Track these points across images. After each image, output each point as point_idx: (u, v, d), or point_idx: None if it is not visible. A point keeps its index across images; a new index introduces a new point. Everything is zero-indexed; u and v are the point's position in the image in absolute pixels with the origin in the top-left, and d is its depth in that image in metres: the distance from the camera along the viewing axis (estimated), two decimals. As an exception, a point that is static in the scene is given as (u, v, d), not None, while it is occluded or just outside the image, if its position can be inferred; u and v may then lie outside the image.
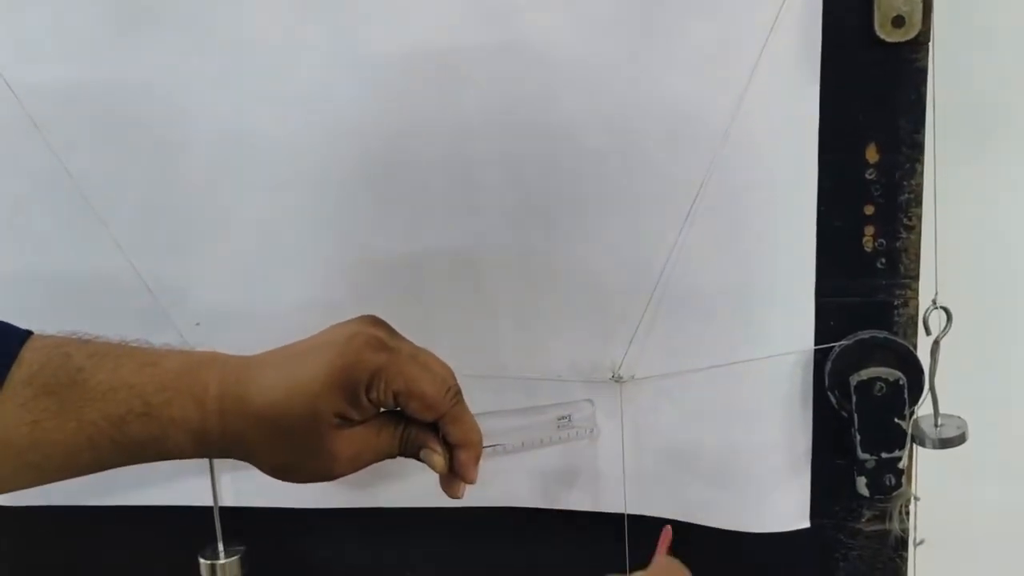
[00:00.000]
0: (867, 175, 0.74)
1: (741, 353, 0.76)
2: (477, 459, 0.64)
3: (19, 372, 0.58)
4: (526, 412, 0.80)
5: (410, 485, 0.81)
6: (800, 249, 0.75)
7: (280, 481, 0.64)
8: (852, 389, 0.74)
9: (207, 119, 0.79)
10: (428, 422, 0.63)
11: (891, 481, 0.75)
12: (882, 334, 0.75)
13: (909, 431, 0.75)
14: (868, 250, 0.75)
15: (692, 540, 0.80)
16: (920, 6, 0.70)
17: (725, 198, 0.74)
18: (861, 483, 0.76)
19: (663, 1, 0.71)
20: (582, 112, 0.74)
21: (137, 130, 0.80)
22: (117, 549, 0.91)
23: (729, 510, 0.80)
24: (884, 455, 0.75)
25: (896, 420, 0.74)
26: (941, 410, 0.76)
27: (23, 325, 0.61)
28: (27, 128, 0.80)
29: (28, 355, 0.59)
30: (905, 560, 0.80)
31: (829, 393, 0.76)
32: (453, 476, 0.65)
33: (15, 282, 0.84)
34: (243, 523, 0.85)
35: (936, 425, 0.75)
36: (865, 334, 0.75)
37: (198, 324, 0.82)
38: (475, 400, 0.66)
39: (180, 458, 0.61)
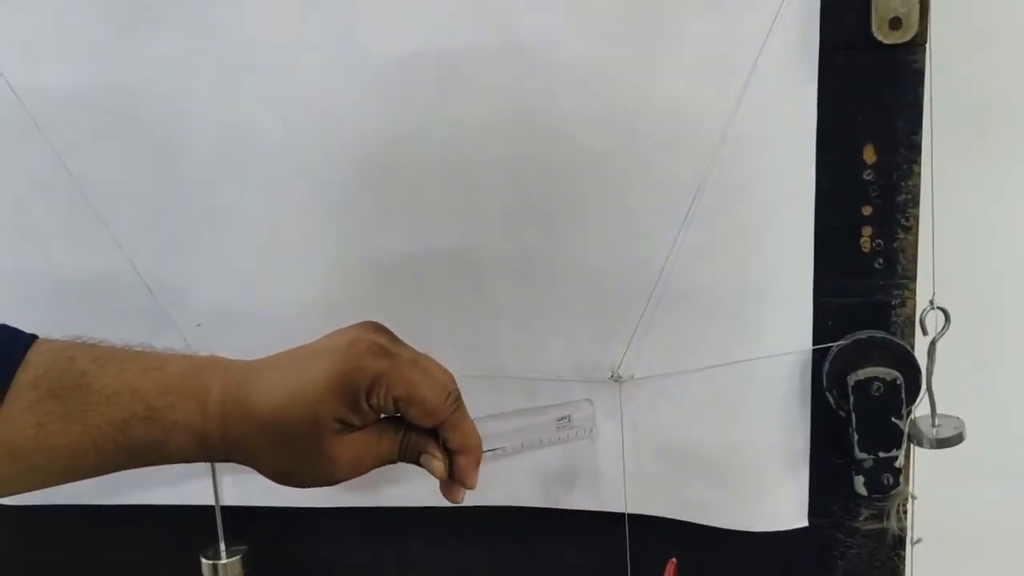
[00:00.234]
0: (865, 176, 0.74)
1: (739, 353, 0.76)
2: (477, 464, 0.65)
3: (25, 375, 0.59)
4: (526, 413, 0.81)
5: (410, 485, 0.81)
6: (798, 249, 0.75)
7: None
8: (850, 389, 0.74)
9: (208, 119, 0.79)
10: (428, 428, 0.63)
11: (889, 480, 0.75)
12: (880, 334, 0.75)
13: (906, 431, 0.75)
14: (866, 250, 0.75)
15: (691, 539, 0.80)
16: (917, 8, 0.70)
17: (723, 198, 0.74)
18: (859, 482, 0.76)
19: (662, 3, 0.72)
20: (582, 112, 0.74)
21: (138, 130, 0.80)
22: (119, 549, 0.91)
23: (728, 509, 0.80)
24: (882, 454, 0.75)
25: (893, 420, 0.74)
26: (938, 410, 0.76)
27: (24, 325, 0.62)
28: (28, 128, 0.80)
29: (33, 359, 0.59)
30: (903, 559, 0.80)
31: (827, 393, 0.76)
32: (453, 481, 0.65)
33: (16, 282, 0.84)
34: (245, 523, 0.85)
35: (933, 425, 0.76)
36: (863, 334, 0.75)
37: (199, 325, 0.83)
38: (474, 400, 0.66)
39: (183, 462, 0.62)
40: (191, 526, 0.85)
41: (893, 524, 0.79)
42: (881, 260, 0.75)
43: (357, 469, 0.63)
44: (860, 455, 0.75)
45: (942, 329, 0.75)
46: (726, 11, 0.71)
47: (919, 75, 0.72)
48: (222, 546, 0.84)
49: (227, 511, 0.84)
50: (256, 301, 0.82)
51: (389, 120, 0.77)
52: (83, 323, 0.64)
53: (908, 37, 0.71)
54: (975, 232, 0.95)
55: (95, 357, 0.60)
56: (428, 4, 0.74)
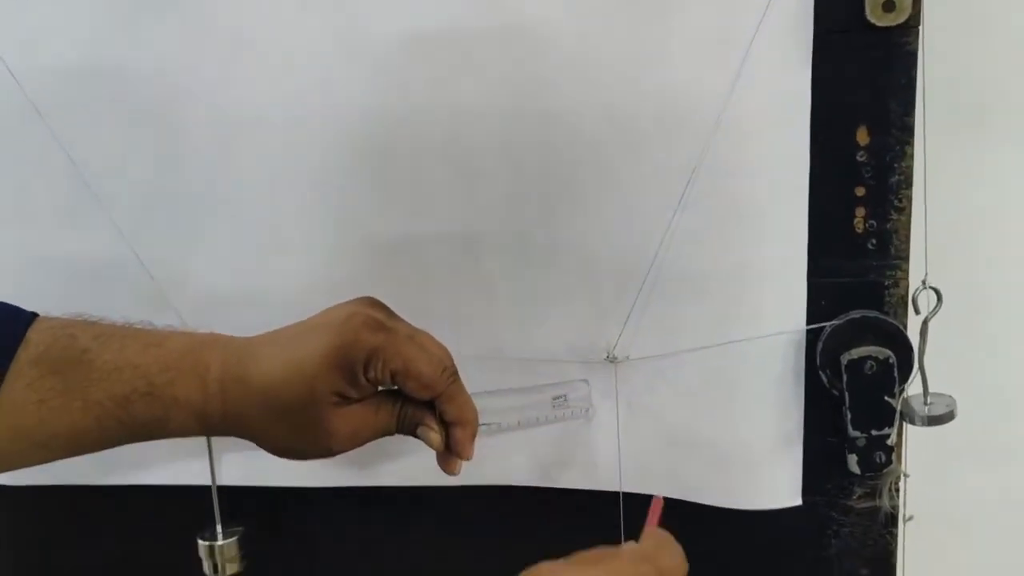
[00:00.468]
0: (858, 157, 0.74)
1: (734, 333, 0.77)
2: (473, 437, 0.66)
3: (26, 353, 0.59)
4: (522, 392, 0.81)
5: (407, 464, 0.82)
6: (792, 230, 0.76)
7: (279, 459, 0.65)
8: (843, 368, 0.75)
9: (208, 104, 0.79)
10: (425, 400, 0.64)
11: (881, 458, 0.76)
12: (872, 314, 0.76)
13: (899, 409, 0.75)
14: (859, 231, 0.76)
15: (686, 518, 0.81)
16: (910, -10, 0.71)
17: (718, 181, 0.75)
18: (852, 461, 0.77)
19: (657, -13, 0.72)
20: (579, 97, 0.75)
21: (139, 116, 0.80)
22: (116, 529, 0.92)
23: (722, 488, 0.81)
24: (874, 433, 0.76)
25: (886, 398, 0.75)
26: (930, 388, 0.76)
27: (25, 308, 0.62)
28: (30, 114, 0.80)
29: (35, 336, 0.60)
30: (895, 536, 0.80)
31: (820, 372, 0.77)
32: (449, 453, 0.66)
33: (17, 267, 0.84)
34: (242, 503, 0.85)
35: (925, 403, 0.76)
36: (856, 314, 0.76)
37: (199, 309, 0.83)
38: (472, 380, 0.67)
39: (183, 436, 0.62)
40: (188, 507, 0.85)
41: (885, 502, 0.79)
42: (874, 241, 0.76)
43: (355, 441, 0.63)
44: (853, 433, 0.76)
45: (934, 308, 0.75)
46: (721, -5, 0.72)
47: (912, 57, 0.72)
48: (219, 527, 0.83)
49: (224, 491, 0.84)
50: (256, 285, 0.82)
51: (388, 105, 0.77)
52: (83, 307, 0.65)
53: (901, 20, 0.71)
54: (967, 213, 0.96)
55: (96, 334, 0.61)
56: (427, -10, 0.75)
